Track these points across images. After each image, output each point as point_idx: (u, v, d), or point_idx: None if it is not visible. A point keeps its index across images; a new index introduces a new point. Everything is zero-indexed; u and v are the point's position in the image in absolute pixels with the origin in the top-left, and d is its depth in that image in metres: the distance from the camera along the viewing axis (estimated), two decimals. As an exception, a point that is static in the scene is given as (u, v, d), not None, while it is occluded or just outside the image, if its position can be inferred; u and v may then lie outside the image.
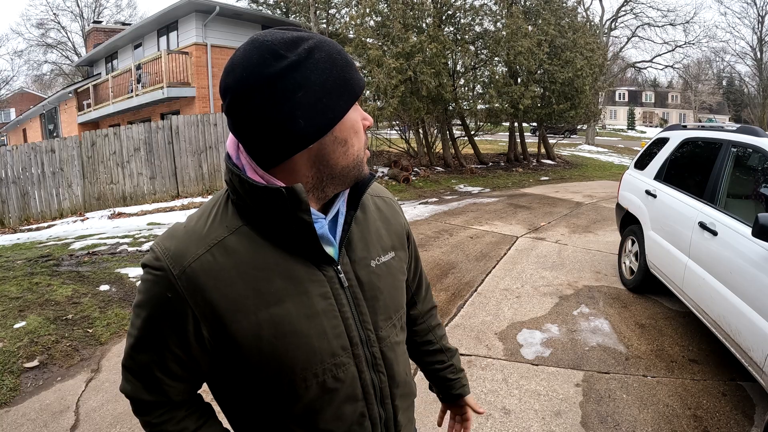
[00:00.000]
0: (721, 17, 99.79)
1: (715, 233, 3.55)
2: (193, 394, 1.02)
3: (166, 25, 17.37)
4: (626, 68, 39.47)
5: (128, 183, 12.84)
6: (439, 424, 1.47)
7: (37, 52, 49.04)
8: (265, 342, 0.89)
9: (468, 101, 16.01)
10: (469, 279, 5.66)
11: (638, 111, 60.55)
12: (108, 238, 7.96)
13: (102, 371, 3.79)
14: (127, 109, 17.86)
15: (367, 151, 0.96)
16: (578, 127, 32.69)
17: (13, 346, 3.92)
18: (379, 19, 14.17)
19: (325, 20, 16.60)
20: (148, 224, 9.52)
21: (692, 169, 4.63)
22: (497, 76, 14.80)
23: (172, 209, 11.37)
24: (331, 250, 0.96)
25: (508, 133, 20.25)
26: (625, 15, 34.28)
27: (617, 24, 34.37)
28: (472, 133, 17.87)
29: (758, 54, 37.89)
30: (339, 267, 0.97)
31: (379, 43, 13.51)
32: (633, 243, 5.31)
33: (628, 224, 5.53)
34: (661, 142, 5.34)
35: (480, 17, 15.11)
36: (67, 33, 52.20)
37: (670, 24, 35.22)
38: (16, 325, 4.24)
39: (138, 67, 16.69)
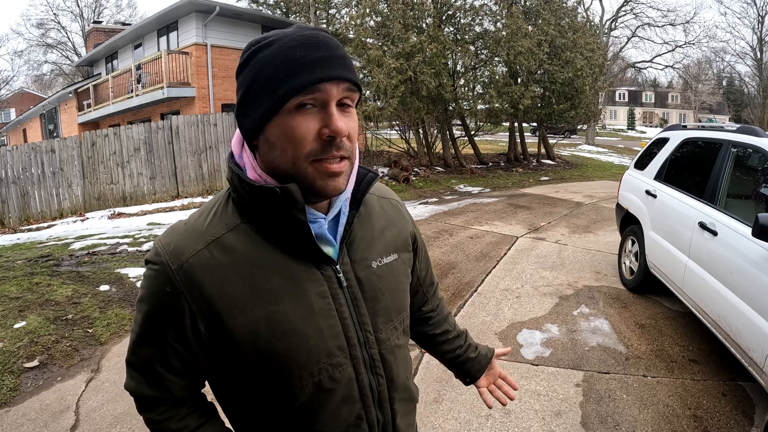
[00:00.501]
0: (721, 17, 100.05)
1: (715, 233, 3.55)
2: (195, 392, 1.03)
3: (166, 25, 17.35)
4: (626, 68, 39.51)
5: (128, 183, 12.84)
6: (490, 405, 1.40)
7: (37, 52, 49.16)
8: (261, 339, 0.89)
9: (468, 101, 16.02)
10: (469, 279, 5.66)
11: (638, 111, 60.55)
12: (108, 238, 7.96)
13: (102, 371, 3.79)
14: (127, 109, 17.85)
15: (338, 165, 0.88)
16: (578, 127, 32.71)
17: (13, 346, 3.92)
18: (379, 19, 14.17)
19: (325, 20, 16.62)
20: (148, 224, 9.52)
21: (692, 169, 4.63)
22: (497, 76, 14.81)
23: (172, 209, 11.37)
24: (330, 250, 0.96)
25: (508, 133, 20.26)
26: (625, 15, 34.35)
27: (617, 24, 34.43)
28: (472, 133, 17.88)
29: (758, 54, 37.92)
30: (338, 266, 0.96)
31: (379, 43, 13.52)
32: (633, 243, 5.31)
33: (628, 224, 5.53)
34: (661, 142, 5.34)
35: (480, 17, 15.12)
36: (67, 33, 52.26)
37: (670, 24, 35.28)
38: (16, 325, 4.24)
39: (138, 67, 16.68)
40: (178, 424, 0.98)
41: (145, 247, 7.16)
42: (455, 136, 18.04)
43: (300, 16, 18.06)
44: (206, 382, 1.04)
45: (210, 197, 10.07)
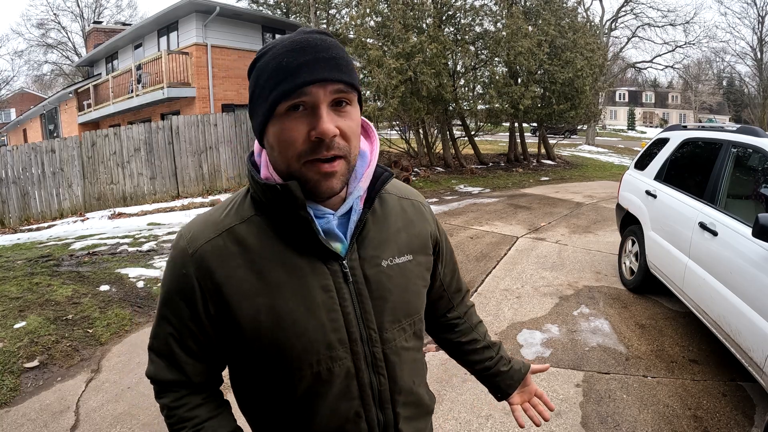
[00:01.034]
0: (721, 17, 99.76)
1: (715, 233, 3.55)
2: (211, 381, 1.07)
3: (166, 25, 17.36)
4: (626, 68, 39.53)
5: (128, 183, 12.85)
6: (521, 425, 1.33)
7: (38, 52, 49.21)
8: (263, 328, 0.93)
9: (468, 101, 16.02)
10: (469, 279, 5.66)
11: (638, 111, 60.53)
12: (108, 238, 7.97)
13: (102, 371, 3.79)
14: (128, 110, 17.85)
15: (327, 167, 0.89)
16: (578, 128, 32.71)
17: (14, 346, 3.92)
18: (379, 19, 14.17)
19: (325, 20, 16.62)
20: (149, 224, 9.53)
21: (692, 170, 4.63)
22: (497, 77, 14.81)
23: (172, 209, 11.37)
24: (338, 246, 0.98)
25: (508, 134, 20.26)
26: (625, 15, 34.32)
27: (617, 24, 34.40)
28: (473, 133, 17.88)
29: (758, 54, 37.90)
30: (345, 262, 0.98)
31: (380, 44, 13.52)
32: (633, 243, 5.31)
33: (629, 224, 5.53)
34: (661, 143, 5.34)
35: (480, 17, 15.12)
36: (67, 33, 52.22)
37: (671, 24, 35.26)
38: (17, 325, 4.24)
39: (138, 68, 16.68)
40: (189, 413, 1.01)
41: (146, 247, 7.16)
42: (455, 137, 18.04)
43: (300, 16, 18.07)
44: (224, 379, 1.08)
45: (210, 197, 10.03)
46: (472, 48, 14.90)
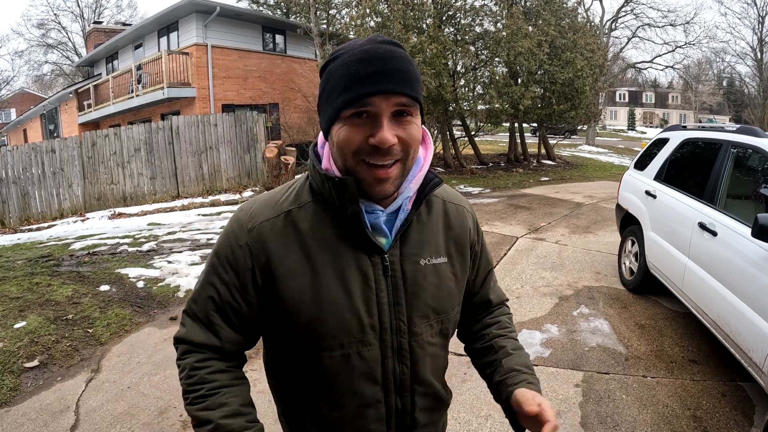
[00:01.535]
0: (721, 18, 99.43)
1: (714, 234, 3.55)
2: (239, 354, 1.11)
3: (166, 25, 17.36)
4: (626, 69, 39.52)
5: (128, 183, 12.86)
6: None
7: (38, 52, 49.17)
8: (304, 304, 1.01)
9: (468, 102, 16.00)
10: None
11: (638, 111, 60.51)
12: (108, 238, 7.97)
13: (102, 371, 3.79)
14: (128, 110, 17.85)
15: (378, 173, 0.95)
16: (578, 128, 32.68)
17: (14, 346, 3.92)
18: (379, 19, 14.17)
19: (325, 21, 16.62)
20: (149, 224, 9.53)
21: (692, 170, 4.63)
22: (497, 77, 14.79)
23: (172, 209, 11.38)
24: (383, 240, 1.05)
25: (508, 134, 20.24)
26: (625, 15, 34.25)
27: (617, 24, 34.34)
28: (473, 133, 17.86)
29: (758, 54, 37.84)
30: (386, 256, 1.05)
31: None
32: (633, 243, 5.31)
33: (628, 225, 5.53)
34: (661, 143, 5.34)
35: (480, 18, 15.10)
36: (67, 33, 52.15)
37: (671, 24, 35.18)
38: (17, 325, 4.25)
39: (138, 68, 16.69)
40: (211, 375, 1.04)
41: (146, 247, 7.16)
42: (455, 137, 18.03)
43: (300, 16, 18.07)
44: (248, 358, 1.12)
45: (210, 198, 10.01)
46: (472, 48, 14.88)
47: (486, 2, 15.31)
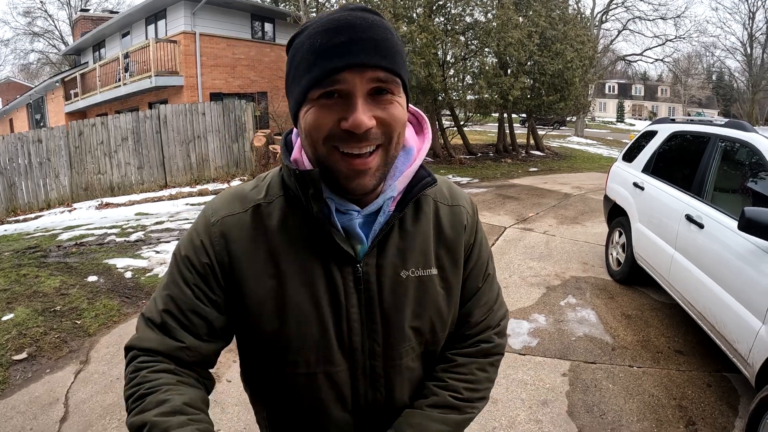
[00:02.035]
0: (712, 12, 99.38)
1: (701, 226, 3.59)
2: (196, 363, 0.92)
3: (154, 13, 17.15)
4: (616, 61, 39.52)
5: (116, 173, 12.75)
6: None
7: (24, 40, 48.50)
8: (267, 311, 0.89)
9: (458, 92, 16.01)
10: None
11: (628, 104, 60.76)
12: (96, 228, 7.91)
13: (91, 363, 3.78)
14: (115, 99, 17.66)
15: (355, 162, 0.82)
16: (567, 119, 32.76)
17: (2, 338, 3.90)
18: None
19: (315, 9, 16.49)
20: (136, 214, 9.47)
21: (680, 163, 4.66)
22: (487, 67, 14.78)
23: (160, 199, 11.31)
24: (358, 247, 0.90)
25: (497, 124, 20.25)
26: (616, 8, 34.28)
27: (608, 17, 34.37)
28: (462, 123, 17.87)
29: (748, 50, 38.02)
30: (359, 266, 0.90)
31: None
32: (620, 235, 5.35)
33: (616, 216, 5.57)
34: (649, 135, 5.37)
35: (471, 8, 15.07)
36: (54, 21, 51.17)
37: (661, 18, 35.26)
38: (4, 318, 4.22)
39: (126, 56, 16.49)
40: (153, 374, 0.89)
41: (133, 237, 7.12)
42: (444, 127, 18.03)
43: (290, 4, 17.90)
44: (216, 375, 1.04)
45: (198, 187, 9.95)
46: (462, 38, 14.86)
47: (476, -8, 15.29)
